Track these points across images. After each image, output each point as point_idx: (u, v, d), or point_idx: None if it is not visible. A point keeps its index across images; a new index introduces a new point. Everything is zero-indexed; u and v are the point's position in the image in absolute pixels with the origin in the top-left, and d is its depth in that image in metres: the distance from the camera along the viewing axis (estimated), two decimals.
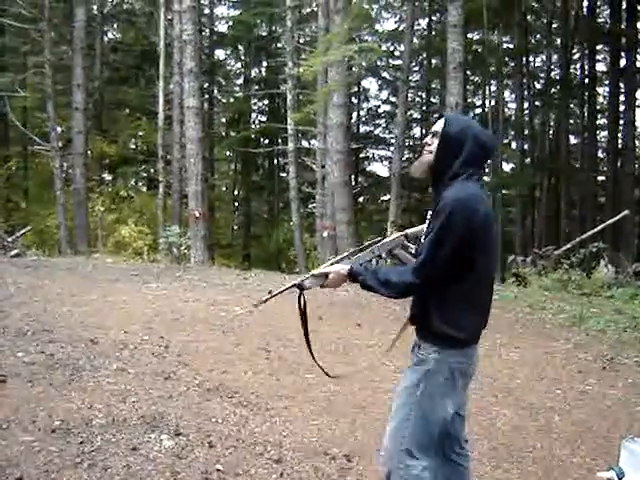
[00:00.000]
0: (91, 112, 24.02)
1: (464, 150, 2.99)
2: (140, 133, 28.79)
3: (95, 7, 27.19)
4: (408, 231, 3.37)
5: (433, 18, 30.00)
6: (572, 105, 30.07)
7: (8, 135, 28.56)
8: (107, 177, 27.52)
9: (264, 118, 34.15)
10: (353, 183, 25.08)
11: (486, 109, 31.49)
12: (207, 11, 29.96)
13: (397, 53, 30.82)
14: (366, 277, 3.09)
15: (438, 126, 3.11)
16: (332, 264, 3.28)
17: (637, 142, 26.99)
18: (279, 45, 30.73)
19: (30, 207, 25.03)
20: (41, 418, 5.01)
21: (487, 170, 20.63)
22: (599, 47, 28.80)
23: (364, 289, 3.14)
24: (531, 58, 30.77)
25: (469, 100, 30.28)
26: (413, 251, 3.32)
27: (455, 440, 3.31)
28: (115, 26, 31.38)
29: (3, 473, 4.15)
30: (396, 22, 30.58)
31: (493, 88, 30.45)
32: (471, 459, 3.49)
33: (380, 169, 33.45)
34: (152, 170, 29.10)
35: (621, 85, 25.98)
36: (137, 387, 5.81)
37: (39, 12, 20.80)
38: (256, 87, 32.91)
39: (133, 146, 30.13)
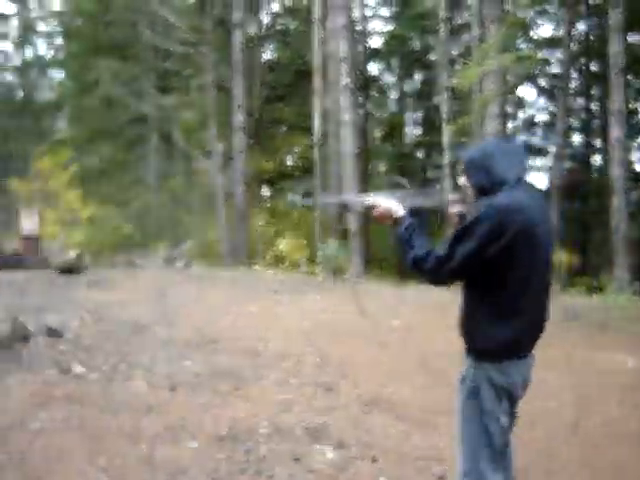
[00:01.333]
0: (250, 130, 24.69)
1: (490, 164, 3.04)
2: (296, 149, 29.32)
3: (252, 28, 28.00)
4: (469, 192, 3.25)
5: (591, 22, 28.93)
6: None
7: (172, 153, 29.80)
8: (266, 192, 28.20)
9: (418, 131, 34.01)
10: None
11: None
12: (359, 27, 30.20)
13: (553, 60, 29.96)
14: (406, 232, 3.12)
15: (460, 164, 3.23)
16: (387, 197, 3.32)
17: None
18: (432, 57, 30.54)
19: (193, 221, 25.97)
20: (208, 426, 5.16)
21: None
22: None
23: (396, 238, 3.17)
24: None
25: (631, 106, 28.91)
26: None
27: None
28: (271, 46, 32.16)
29: (173, 478, 4.30)
30: (553, 29, 29.76)
31: None
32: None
33: (538, 179, 32.45)
34: (309, 185, 29.58)
35: None
36: (299, 398, 5.88)
37: (200, 36, 21.65)
38: (410, 100, 32.82)
39: (290, 162, 30.70)
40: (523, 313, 2.99)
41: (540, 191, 3.25)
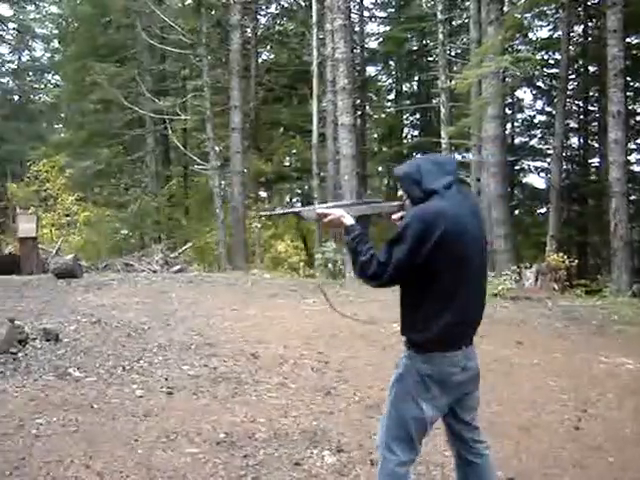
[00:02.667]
0: (247, 132, 24.65)
1: (420, 175, 3.31)
2: (294, 151, 29.29)
3: (249, 30, 27.98)
4: (407, 202, 3.50)
5: (589, 24, 28.92)
6: None
7: (169, 156, 29.76)
8: (263, 194, 28.18)
9: (416, 132, 33.98)
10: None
11: None
12: (357, 29, 30.20)
13: (551, 61, 29.93)
14: (353, 240, 3.34)
15: (397, 179, 3.57)
16: (335, 207, 3.57)
17: None
18: (430, 58, 30.54)
19: (190, 224, 25.94)
20: (206, 430, 5.13)
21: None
22: None
23: (346, 247, 3.49)
24: None
25: (630, 107, 28.91)
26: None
27: (464, 441, 3.54)
28: (268, 48, 32.15)
29: None
30: (550, 30, 29.76)
31: None
32: (487, 455, 3.57)
33: (536, 181, 32.42)
34: (306, 187, 29.58)
35: None
36: (298, 402, 5.85)
37: (197, 38, 21.64)
38: (408, 102, 32.81)
39: (287, 164, 30.67)
40: (452, 311, 3.24)
41: (473, 198, 3.68)
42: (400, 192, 3.52)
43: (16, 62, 38.24)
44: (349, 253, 3.41)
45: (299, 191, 32.71)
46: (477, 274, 3.37)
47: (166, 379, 6.36)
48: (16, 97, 38.36)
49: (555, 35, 27.93)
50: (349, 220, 3.44)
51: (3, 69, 37.43)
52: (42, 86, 39.15)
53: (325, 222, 3.54)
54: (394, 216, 3.58)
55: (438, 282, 3.20)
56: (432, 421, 3.40)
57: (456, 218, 3.21)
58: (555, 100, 24.27)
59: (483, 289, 3.48)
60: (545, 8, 25.76)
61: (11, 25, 36.46)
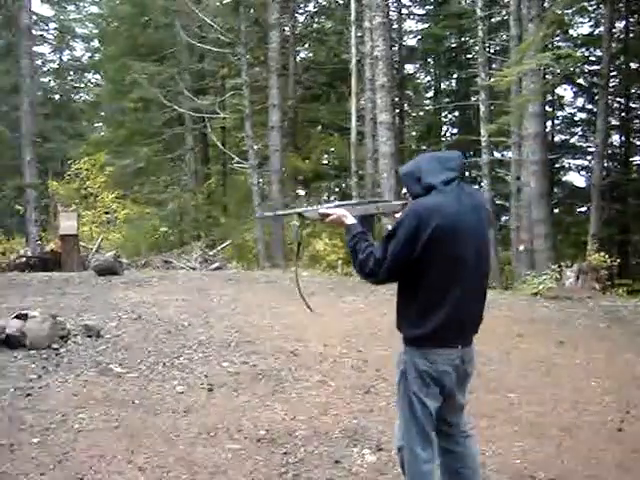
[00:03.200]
0: (286, 130, 24.66)
1: (420, 172, 3.34)
2: (332, 149, 29.25)
3: (287, 28, 28.01)
4: (410, 200, 3.51)
5: (631, 20, 28.48)
6: None
7: (208, 154, 29.90)
8: (301, 192, 28.15)
9: (455, 130, 33.74)
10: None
11: None
12: (396, 26, 30.09)
13: (592, 58, 29.56)
14: (353, 239, 3.40)
15: (400, 177, 3.68)
16: (338, 207, 3.61)
17: None
18: (469, 56, 30.31)
19: (229, 222, 26.01)
20: (246, 427, 5.17)
21: None
22: None
23: (347, 246, 3.49)
24: None
25: None
26: None
27: (442, 434, 3.54)
28: (307, 46, 32.15)
29: (211, 478, 4.31)
30: (591, 26, 29.37)
31: None
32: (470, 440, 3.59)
33: (576, 179, 32.01)
34: (344, 185, 29.53)
35: None
36: (338, 400, 5.86)
37: (236, 37, 21.70)
38: (447, 99, 32.60)
39: (326, 162, 30.64)
40: (446, 307, 3.26)
41: (478, 195, 3.61)
42: (404, 190, 3.55)
43: (57, 62, 38.76)
44: (350, 252, 3.44)
45: (337, 189, 32.65)
46: (474, 272, 3.35)
47: (206, 376, 6.41)
48: (57, 96, 38.81)
49: (596, 31, 27.59)
50: (350, 220, 3.49)
51: (44, 68, 37.94)
52: (83, 85, 39.62)
53: (327, 222, 3.61)
54: (397, 215, 3.60)
55: (431, 278, 3.24)
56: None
57: (452, 215, 3.23)
58: (596, 97, 23.97)
59: (482, 287, 3.48)
60: (586, 4, 25.46)
61: (52, 25, 36.85)
